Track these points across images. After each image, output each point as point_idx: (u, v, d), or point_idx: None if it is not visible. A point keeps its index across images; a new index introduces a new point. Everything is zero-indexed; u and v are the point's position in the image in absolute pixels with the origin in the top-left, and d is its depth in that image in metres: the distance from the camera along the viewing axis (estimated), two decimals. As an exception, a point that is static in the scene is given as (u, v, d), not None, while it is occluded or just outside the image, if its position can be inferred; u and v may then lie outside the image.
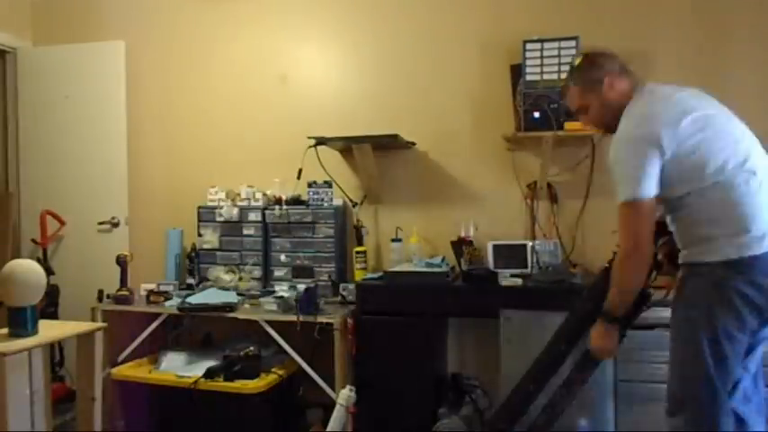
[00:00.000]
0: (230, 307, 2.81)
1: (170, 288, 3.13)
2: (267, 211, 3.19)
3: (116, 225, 3.54)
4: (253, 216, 3.21)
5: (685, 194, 1.75)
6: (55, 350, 3.36)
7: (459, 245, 2.87)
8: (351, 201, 3.23)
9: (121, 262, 3.04)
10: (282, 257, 3.17)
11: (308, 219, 3.13)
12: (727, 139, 1.74)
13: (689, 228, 1.79)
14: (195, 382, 2.68)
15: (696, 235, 1.76)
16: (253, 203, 3.24)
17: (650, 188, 1.73)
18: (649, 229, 1.77)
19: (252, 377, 2.69)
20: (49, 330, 2.05)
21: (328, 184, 3.15)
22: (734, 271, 1.68)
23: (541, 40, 2.76)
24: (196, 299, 2.93)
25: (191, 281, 3.23)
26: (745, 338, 1.71)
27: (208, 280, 3.17)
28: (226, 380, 2.69)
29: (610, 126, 1.90)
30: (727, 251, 1.68)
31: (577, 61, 2.01)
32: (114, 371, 2.88)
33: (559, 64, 2.74)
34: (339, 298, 2.91)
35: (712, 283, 1.71)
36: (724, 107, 1.83)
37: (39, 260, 3.37)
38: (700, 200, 1.73)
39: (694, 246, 1.77)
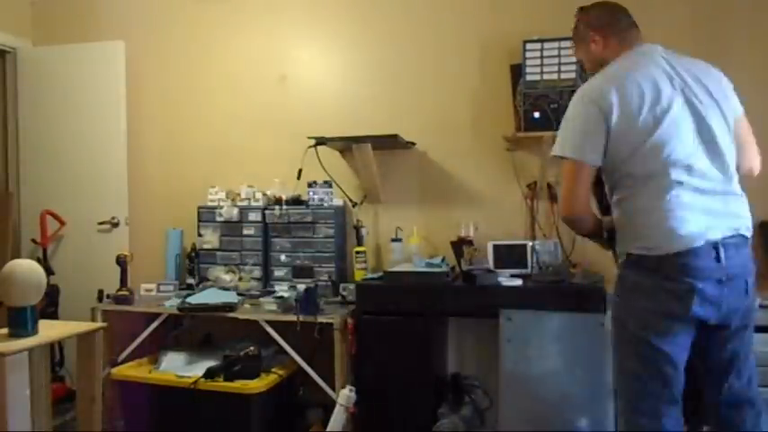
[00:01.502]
0: (230, 307, 2.81)
1: (170, 288, 3.13)
2: (267, 211, 3.19)
3: (116, 225, 3.54)
4: (253, 216, 3.21)
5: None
6: (55, 350, 3.37)
7: (459, 245, 2.87)
8: (351, 201, 3.23)
9: (121, 262, 3.04)
10: (282, 257, 3.17)
11: (308, 219, 3.13)
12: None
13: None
14: (195, 382, 2.68)
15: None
16: (253, 203, 3.24)
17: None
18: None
19: (252, 377, 2.69)
20: (49, 330, 2.05)
21: (328, 184, 3.15)
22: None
23: (541, 40, 2.76)
24: (196, 299, 2.93)
25: (191, 281, 3.23)
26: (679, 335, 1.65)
27: (208, 280, 3.17)
28: (226, 380, 2.68)
29: None
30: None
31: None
32: (114, 371, 2.88)
33: (559, 64, 2.74)
34: (339, 298, 2.91)
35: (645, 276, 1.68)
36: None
37: (39, 260, 3.37)
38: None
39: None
